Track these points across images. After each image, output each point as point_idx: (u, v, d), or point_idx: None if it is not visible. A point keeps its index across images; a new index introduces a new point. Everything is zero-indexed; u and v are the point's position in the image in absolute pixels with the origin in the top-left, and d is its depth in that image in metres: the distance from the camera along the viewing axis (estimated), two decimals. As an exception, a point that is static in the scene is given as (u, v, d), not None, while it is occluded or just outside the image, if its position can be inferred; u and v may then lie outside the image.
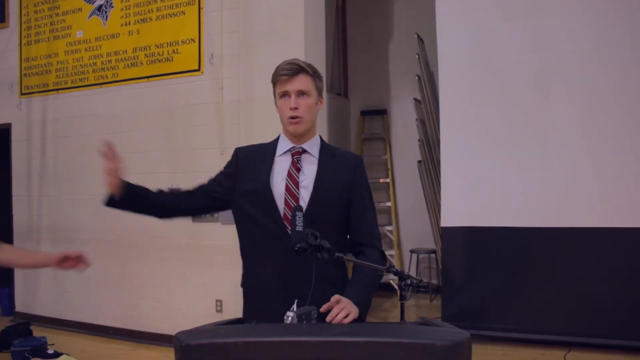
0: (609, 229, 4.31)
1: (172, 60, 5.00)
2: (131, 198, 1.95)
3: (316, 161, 2.01)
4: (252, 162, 2.04)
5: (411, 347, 1.16)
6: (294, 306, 1.49)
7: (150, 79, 5.10)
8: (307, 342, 1.15)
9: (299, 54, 4.37)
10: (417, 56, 6.26)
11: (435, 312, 5.51)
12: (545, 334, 4.46)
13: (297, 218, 1.65)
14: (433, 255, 6.68)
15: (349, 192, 2.02)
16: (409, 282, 1.74)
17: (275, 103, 2.03)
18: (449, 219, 4.81)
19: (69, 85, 5.55)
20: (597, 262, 4.35)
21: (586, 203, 4.40)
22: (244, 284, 2.08)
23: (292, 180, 1.96)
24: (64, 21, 5.62)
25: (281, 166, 2.00)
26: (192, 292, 4.87)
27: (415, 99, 6.69)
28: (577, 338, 4.36)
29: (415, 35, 6.39)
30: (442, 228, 4.88)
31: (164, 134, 5.04)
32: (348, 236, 2.08)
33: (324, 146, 2.07)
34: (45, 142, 5.62)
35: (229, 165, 2.11)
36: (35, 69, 5.78)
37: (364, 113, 7.37)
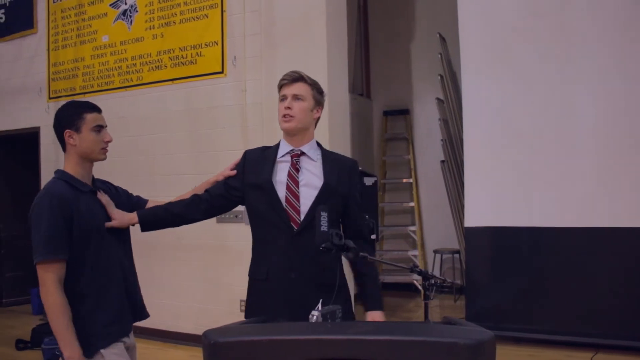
0: (636, 228, 4.24)
1: (196, 63, 5.06)
2: (148, 227, 2.34)
3: (315, 163, 2.25)
4: (257, 162, 2.29)
5: (435, 345, 1.16)
6: (319, 305, 1.50)
7: (174, 81, 5.17)
8: (332, 340, 1.16)
9: (321, 55, 4.39)
10: (439, 56, 6.24)
11: (459, 313, 5.48)
12: (572, 336, 4.40)
13: (322, 218, 1.67)
14: (457, 255, 6.64)
15: (346, 194, 2.26)
16: (432, 282, 1.75)
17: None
18: (472, 219, 4.78)
19: (95, 89, 5.65)
20: (624, 263, 4.29)
21: (612, 202, 4.34)
22: (250, 272, 2.30)
23: (292, 180, 2.20)
24: (90, 26, 5.72)
25: (282, 167, 2.24)
26: (216, 292, 4.92)
27: (438, 99, 6.67)
28: (604, 340, 4.29)
29: (438, 35, 6.37)
30: (466, 228, 4.86)
31: (187, 136, 5.10)
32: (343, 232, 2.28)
33: (323, 150, 2.32)
34: (73, 144, 5.70)
35: (237, 166, 2.35)
36: (63, 73, 5.90)
37: (386, 113, 7.36)
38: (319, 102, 2.27)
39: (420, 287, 6.66)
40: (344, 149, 4.53)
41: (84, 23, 5.76)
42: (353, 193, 2.29)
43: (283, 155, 2.25)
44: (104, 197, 2.23)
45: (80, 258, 2.08)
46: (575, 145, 4.46)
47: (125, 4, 5.47)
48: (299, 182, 2.19)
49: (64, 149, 2.20)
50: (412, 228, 7.06)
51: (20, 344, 5.04)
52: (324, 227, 1.67)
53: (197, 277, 5.02)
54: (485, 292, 4.74)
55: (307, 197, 2.17)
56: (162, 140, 5.21)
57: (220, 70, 4.94)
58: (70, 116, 2.17)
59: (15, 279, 6.78)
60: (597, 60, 4.39)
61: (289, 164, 2.23)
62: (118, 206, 2.30)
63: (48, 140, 5.91)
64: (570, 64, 4.47)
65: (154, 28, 5.31)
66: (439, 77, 6.22)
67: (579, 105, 4.46)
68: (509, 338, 4.53)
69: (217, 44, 4.96)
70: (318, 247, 1.66)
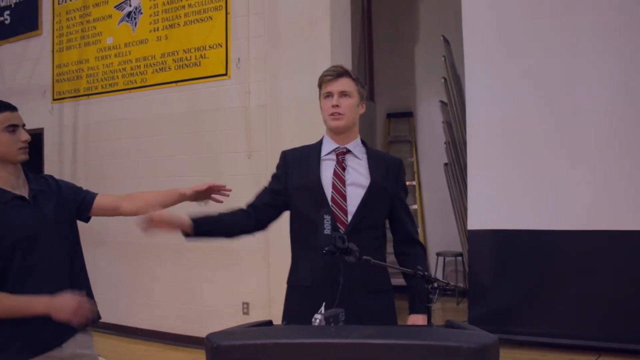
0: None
1: (200, 65, 5.07)
2: (201, 234, 2.10)
3: (360, 161, 2.15)
4: (300, 162, 2.20)
5: (438, 349, 1.16)
6: (322, 308, 1.50)
7: (178, 83, 5.18)
8: (336, 344, 1.16)
9: (325, 57, 4.40)
10: (443, 58, 6.23)
11: (462, 316, 5.47)
12: (575, 339, 4.38)
13: (325, 221, 1.67)
14: (460, 258, 6.63)
15: (393, 194, 2.18)
16: (435, 285, 1.75)
17: (320, 105, 2.19)
18: (475, 222, 4.77)
19: (99, 90, 5.67)
20: (628, 266, 4.27)
21: (617, 205, 4.32)
22: (291, 279, 2.18)
23: (339, 179, 2.10)
24: (95, 28, 5.73)
25: (327, 165, 2.14)
26: (218, 295, 4.92)
27: (442, 102, 6.66)
28: (608, 343, 4.27)
29: (441, 37, 6.37)
30: (469, 231, 4.84)
31: (191, 138, 5.10)
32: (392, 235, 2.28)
33: (368, 148, 2.22)
34: (77, 146, 5.74)
35: (277, 168, 2.27)
36: (67, 75, 5.91)
37: (390, 115, 7.36)
38: (363, 97, 2.20)
39: (423, 290, 6.67)
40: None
41: (88, 25, 5.78)
42: (399, 193, 2.21)
43: (328, 154, 2.16)
44: None
45: (13, 271, 1.95)
46: (580, 148, 4.44)
47: (130, 6, 5.49)
48: (346, 181, 2.10)
49: None
50: (415, 230, 7.04)
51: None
52: (327, 230, 1.67)
53: (200, 279, 5.03)
54: (488, 295, 4.72)
55: (354, 196, 2.08)
56: (165, 142, 5.22)
57: (224, 72, 4.94)
58: None
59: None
60: (603, 62, 4.38)
61: (334, 162, 2.14)
62: (60, 203, 2.13)
63: (52, 142, 5.93)
64: (575, 67, 4.46)
65: (158, 30, 5.32)
66: (443, 80, 6.21)
67: (583, 108, 4.44)
68: (512, 341, 4.52)
69: (221, 46, 4.97)
70: (322, 250, 1.64)
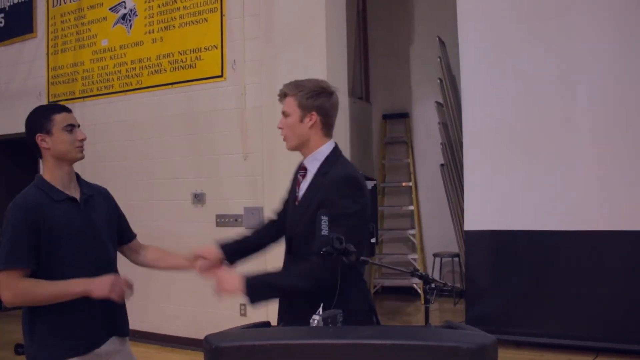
0: (636, 232, 4.24)
1: (195, 67, 5.06)
2: (234, 260, 2.39)
3: (310, 178, 2.14)
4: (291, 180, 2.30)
5: (437, 350, 1.16)
6: (320, 309, 1.50)
7: (173, 85, 5.17)
8: (333, 344, 1.16)
9: (320, 59, 4.40)
10: (438, 59, 6.25)
11: (459, 317, 5.48)
12: (572, 339, 4.40)
13: (322, 222, 1.67)
14: (456, 259, 6.63)
15: (314, 209, 2.03)
16: (433, 285, 1.75)
17: None
18: (472, 223, 4.78)
19: (95, 92, 5.65)
20: (624, 266, 4.29)
21: (613, 205, 4.34)
22: None
23: (292, 197, 2.21)
24: (90, 30, 5.72)
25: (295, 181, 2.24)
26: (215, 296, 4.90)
27: (438, 102, 6.67)
28: (604, 343, 4.29)
29: (437, 39, 6.38)
30: (466, 232, 4.86)
31: (187, 140, 5.09)
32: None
33: (325, 162, 2.13)
34: (72, 148, 5.71)
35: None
36: (62, 77, 5.90)
37: (385, 117, 7.37)
38: (308, 107, 2.12)
39: (419, 291, 6.69)
40: (344, 152, 4.51)
41: (83, 27, 5.77)
42: (320, 206, 1.96)
43: (298, 171, 2.25)
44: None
45: (50, 268, 2.07)
46: (575, 149, 4.46)
47: (125, 8, 5.48)
48: (298, 198, 2.17)
49: (40, 154, 2.20)
50: (412, 231, 7.06)
51: (20, 349, 5.03)
52: (324, 231, 1.66)
53: (197, 281, 5.00)
54: (485, 296, 4.74)
55: (294, 216, 2.17)
56: (161, 144, 5.21)
57: (220, 74, 4.94)
58: (39, 120, 2.15)
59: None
60: (598, 63, 4.40)
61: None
62: (108, 215, 2.32)
63: (47, 144, 5.91)
64: (570, 68, 4.48)
65: (153, 32, 5.31)
66: (439, 81, 6.22)
67: (579, 109, 4.46)
68: (509, 342, 4.53)
69: (216, 48, 4.96)
70: (319, 252, 1.64)
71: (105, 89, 5.58)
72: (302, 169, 2.19)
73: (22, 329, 2.18)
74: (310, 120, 2.12)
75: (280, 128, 2.17)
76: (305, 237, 2.04)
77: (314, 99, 2.13)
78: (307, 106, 2.13)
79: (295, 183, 2.21)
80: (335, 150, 2.19)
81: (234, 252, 2.36)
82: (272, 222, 2.39)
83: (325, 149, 2.17)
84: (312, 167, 2.15)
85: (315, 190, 2.08)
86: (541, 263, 4.53)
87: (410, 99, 7.27)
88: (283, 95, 2.18)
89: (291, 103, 2.14)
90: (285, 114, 2.15)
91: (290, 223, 2.17)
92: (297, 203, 2.15)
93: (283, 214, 2.32)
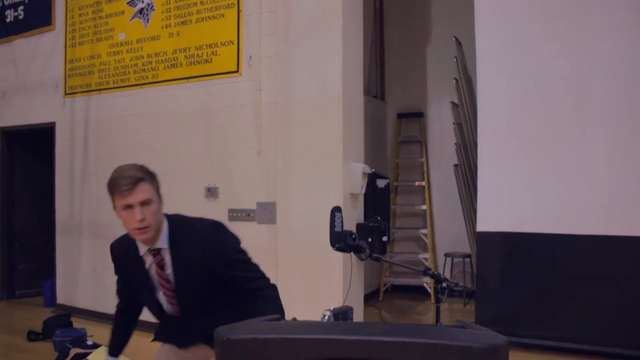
0: (650, 237, 4.20)
1: (211, 62, 5.08)
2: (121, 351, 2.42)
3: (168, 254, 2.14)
4: (125, 257, 2.25)
5: (448, 348, 1.16)
6: (331, 305, 1.50)
7: (189, 80, 5.20)
8: (344, 340, 1.16)
9: (336, 56, 4.40)
10: (455, 59, 6.22)
11: (469, 317, 5.46)
12: (582, 344, 4.36)
13: (336, 219, 1.67)
14: (467, 259, 6.61)
15: (207, 264, 2.12)
16: (445, 285, 1.75)
17: (116, 212, 2.10)
18: (484, 224, 4.76)
19: (111, 85, 5.70)
20: (637, 271, 4.24)
21: (626, 210, 4.29)
22: None
23: (160, 276, 2.18)
24: (107, 24, 5.76)
25: (149, 261, 2.18)
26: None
27: (453, 103, 6.64)
28: (615, 349, 4.24)
29: (453, 39, 6.35)
30: (478, 233, 4.83)
31: (202, 134, 5.12)
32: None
33: (171, 232, 2.15)
34: (88, 140, 5.77)
35: (112, 261, 2.35)
36: (79, 69, 5.95)
37: (400, 116, 7.35)
38: (158, 191, 2.11)
39: (430, 290, 6.68)
40: (358, 150, 4.53)
41: (101, 20, 5.81)
42: (221, 260, 2.15)
43: (144, 253, 2.18)
44: None
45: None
46: (590, 152, 4.42)
47: (142, 2, 5.51)
48: (167, 274, 2.17)
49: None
50: (424, 231, 7.04)
51: (32, 335, 5.09)
52: (338, 227, 1.67)
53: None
54: (495, 297, 4.71)
55: (180, 281, 2.18)
56: (176, 138, 5.24)
57: (236, 69, 4.95)
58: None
59: (27, 271, 6.87)
60: (615, 64, 4.35)
61: (152, 260, 2.17)
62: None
63: (63, 136, 5.96)
64: (587, 69, 4.43)
65: (170, 26, 5.34)
66: (454, 81, 6.20)
67: (595, 111, 4.42)
68: (518, 344, 4.50)
69: (232, 44, 4.98)
70: (332, 247, 1.65)
71: (122, 82, 5.62)
72: (156, 253, 2.15)
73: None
74: (161, 201, 2.14)
75: (142, 219, 2.01)
76: (201, 291, 2.16)
77: (157, 181, 2.14)
78: (158, 190, 2.12)
79: (156, 265, 2.18)
80: (169, 217, 2.20)
81: (120, 348, 2.44)
82: (130, 305, 2.43)
83: (164, 222, 2.17)
84: (166, 243, 2.15)
85: (182, 254, 2.12)
86: (553, 266, 4.50)
87: (425, 98, 7.25)
88: (137, 181, 2.01)
89: (150, 189, 2.05)
90: (147, 202, 2.03)
91: (180, 291, 2.17)
92: (167, 272, 2.16)
93: (129, 288, 2.34)
